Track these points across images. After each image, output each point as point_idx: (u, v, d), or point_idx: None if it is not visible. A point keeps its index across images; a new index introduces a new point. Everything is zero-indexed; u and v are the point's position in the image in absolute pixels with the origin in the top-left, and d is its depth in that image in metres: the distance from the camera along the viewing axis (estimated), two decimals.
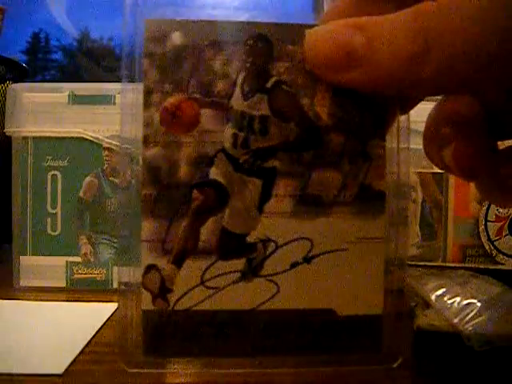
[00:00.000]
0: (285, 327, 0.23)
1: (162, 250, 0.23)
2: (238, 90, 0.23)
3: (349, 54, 0.19)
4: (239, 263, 0.23)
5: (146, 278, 0.23)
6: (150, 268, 0.23)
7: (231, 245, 0.23)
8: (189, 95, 0.23)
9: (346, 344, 0.24)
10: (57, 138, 0.44)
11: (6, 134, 0.44)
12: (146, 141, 0.23)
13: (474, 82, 0.18)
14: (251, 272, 0.23)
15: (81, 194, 0.44)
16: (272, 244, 0.23)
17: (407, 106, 0.24)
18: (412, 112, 0.23)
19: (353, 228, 0.23)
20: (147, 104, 0.23)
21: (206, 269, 0.23)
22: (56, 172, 0.44)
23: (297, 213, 0.23)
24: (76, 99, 0.44)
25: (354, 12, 0.20)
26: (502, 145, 0.22)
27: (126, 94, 0.23)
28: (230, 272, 0.23)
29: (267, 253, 0.23)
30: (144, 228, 0.23)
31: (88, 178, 0.44)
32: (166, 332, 0.23)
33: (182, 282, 0.23)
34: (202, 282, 0.23)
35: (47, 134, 0.44)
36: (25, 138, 0.44)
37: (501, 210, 0.47)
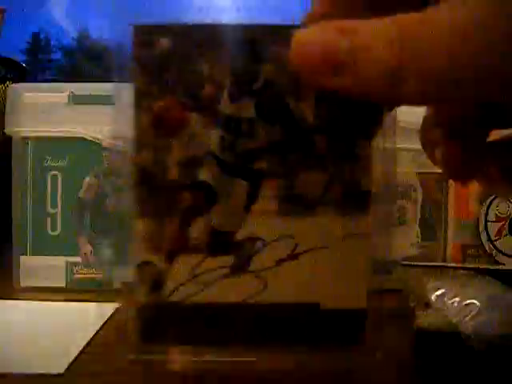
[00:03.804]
0: (271, 320, 0.24)
1: (155, 248, 0.24)
2: (225, 94, 0.23)
3: (333, 61, 0.18)
4: (228, 259, 0.24)
5: (140, 272, 0.24)
6: (144, 264, 0.24)
7: (220, 242, 0.24)
8: (177, 99, 0.23)
9: (331, 336, 0.24)
10: (57, 138, 0.44)
11: (6, 133, 0.44)
12: (137, 144, 0.23)
13: (456, 98, 0.18)
14: (239, 268, 0.24)
15: (81, 194, 0.44)
16: (259, 241, 0.24)
17: (394, 105, 0.23)
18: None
19: (337, 226, 0.24)
20: (137, 108, 0.23)
21: (197, 265, 0.24)
22: (56, 172, 0.44)
23: (283, 212, 0.24)
24: (76, 99, 0.44)
25: (337, 10, 0.20)
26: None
27: (120, 95, 0.24)
28: (219, 268, 0.24)
29: (254, 250, 0.24)
30: (137, 227, 0.24)
31: (88, 178, 0.44)
32: (159, 324, 0.24)
33: (174, 277, 0.24)
34: (193, 277, 0.24)
35: (47, 134, 0.44)
36: (25, 138, 0.44)
37: (501, 210, 0.47)
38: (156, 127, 0.23)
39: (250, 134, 0.23)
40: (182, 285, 0.24)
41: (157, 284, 0.24)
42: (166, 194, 0.23)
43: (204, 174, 0.23)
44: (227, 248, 0.24)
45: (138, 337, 0.24)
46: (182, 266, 0.24)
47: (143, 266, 0.24)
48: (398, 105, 0.22)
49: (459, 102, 0.20)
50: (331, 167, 0.23)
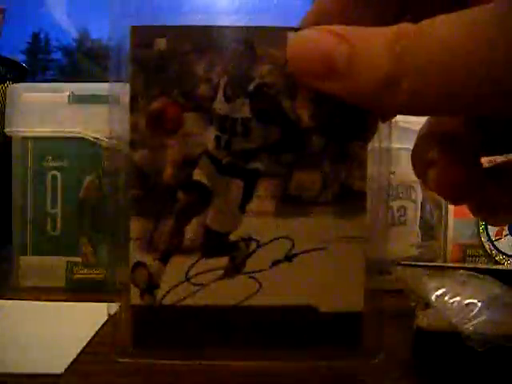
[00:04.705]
0: (267, 323, 0.24)
1: (149, 248, 0.24)
2: (220, 94, 0.23)
3: (329, 65, 0.18)
4: (222, 261, 0.24)
5: (134, 274, 0.24)
6: (138, 265, 0.24)
7: (214, 243, 0.24)
8: (173, 99, 0.23)
9: (327, 339, 0.24)
10: (57, 138, 0.44)
11: (6, 133, 0.44)
12: (133, 144, 0.24)
13: (450, 112, 0.18)
14: (234, 269, 0.24)
15: (81, 194, 0.44)
16: (254, 243, 0.24)
17: (388, 114, 0.23)
18: None
19: (333, 227, 0.24)
20: (133, 108, 0.23)
21: (191, 266, 0.24)
22: (56, 172, 0.44)
23: (278, 212, 0.24)
24: (76, 99, 0.44)
25: (336, 15, 0.20)
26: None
27: (117, 95, 0.24)
28: (214, 269, 0.24)
29: (249, 251, 0.24)
30: (132, 227, 0.24)
31: (88, 178, 0.44)
32: (153, 326, 0.24)
33: (168, 278, 0.24)
34: (187, 279, 0.24)
35: (47, 134, 0.44)
36: (25, 138, 0.44)
37: None
38: (152, 128, 0.23)
39: (245, 133, 0.23)
40: (175, 287, 0.24)
41: (150, 286, 0.24)
42: (160, 194, 0.23)
43: (199, 174, 0.24)
44: (222, 249, 0.24)
45: (130, 340, 0.24)
46: (176, 268, 0.24)
47: (137, 267, 0.24)
48: (391, 112, 0.22)
49: (456, 114, 0.20)
50: (326, 168, 0.23)
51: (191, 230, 0.24)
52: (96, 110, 0.43)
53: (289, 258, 0.24)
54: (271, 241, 0.24)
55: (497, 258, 0.47)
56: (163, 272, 0.24)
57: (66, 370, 0.26)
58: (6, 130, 0.44)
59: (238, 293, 0.24)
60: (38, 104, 0.44)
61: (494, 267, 0.44)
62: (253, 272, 0.24)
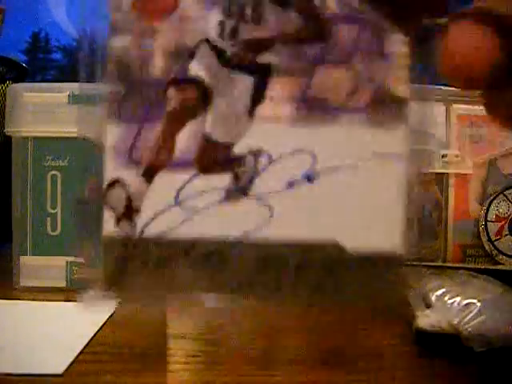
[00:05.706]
0: (278, 262, 0.18)
1: (130, 161, 0.19)
2: None
3: None
4: (223, 179, 0.18)
5: (109, 194, 0.19)
6: (114, 183, 0.19)
7: (214, 156, 0.19)
8: None
9: (356, 288, 0.19)
10: (57, 138, 0.44)
11: (6, 133, 0.44)
12: (114, 29, 0.19)
13: None
14: (238, 191, 0.18)
15: (81, 194, 0.44)
16: (264, 157, 0.18)
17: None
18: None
19: (366, 140, 0.18)
20: None
21: (183, 185, 0.18)
22: (56, 172, 0.44)
23: (297, 119, 0.18)
24: (76, 99, 0.44)
25: None
26: None
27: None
28: (213, 190, 0.19)
29: (258, 167, 0.18)
30: (109, 133, 0.19)
31: (90, 178, 0.44)
32: (131, 263, 0.19)
33: (153, 201, 0.18)
34: (177, 202, 0.18)
35: (47, 134, 0.44)
36: (25, 138, 0.44)
37: (500, 210, 0.47)
38: (138, 7, 0.19)
39: (257, 19, 0.18)
40: (162, 212, 0.18)
41: (129, 210, 0.19)
42: (147, 91, 0.18)
43: (196, 68, 0.18)
44: (223, 164, 0.18)
45: (102, 282, 0.19)
46: (164, 187, 0.18)
47: (112, 185, 0.19)
48: None
49: None
50: (358, 66, 0.18)
51: (185, 139, 0.18)
52: (96, 110, 0.43)
53: (309, 177, 0.18)
54: (287, 155, 0.18)
55: (497, 258, 0.47)
56: (147, 193, 0.18)
57: (65, 370, 0.26)
58: (6, 129, 0.44)
59: (242, 222, 0.18)
60: (37, 104, 0.44)
61: (494, 267, 0.44)
62: (263, 195, 0.18)
